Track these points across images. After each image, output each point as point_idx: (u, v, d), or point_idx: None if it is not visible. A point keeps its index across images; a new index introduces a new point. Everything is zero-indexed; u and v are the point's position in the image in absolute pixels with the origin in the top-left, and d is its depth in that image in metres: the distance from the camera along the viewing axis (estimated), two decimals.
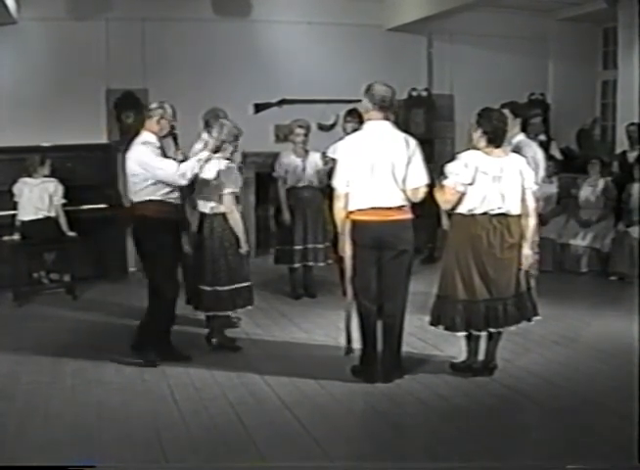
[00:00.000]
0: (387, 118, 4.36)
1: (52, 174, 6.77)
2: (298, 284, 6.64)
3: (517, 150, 4.72)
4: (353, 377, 4.48)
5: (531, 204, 4.37)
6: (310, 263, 6.51)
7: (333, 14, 8.39)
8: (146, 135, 4.71)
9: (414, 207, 4.44)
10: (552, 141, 8.44)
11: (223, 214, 4.93)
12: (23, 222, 6.65)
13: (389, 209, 4.31)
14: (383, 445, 3.68)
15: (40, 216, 6.65)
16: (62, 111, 7.46)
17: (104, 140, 7.89)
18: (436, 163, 6.71)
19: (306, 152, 6.48)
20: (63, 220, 6.76)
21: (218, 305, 4.99)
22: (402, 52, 8.81)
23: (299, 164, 6.44)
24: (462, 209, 4.36)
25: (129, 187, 4.77)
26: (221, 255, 4.93)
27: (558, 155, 8.35)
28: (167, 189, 4.67)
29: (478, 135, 4.33)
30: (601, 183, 7.63)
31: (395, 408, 4.12)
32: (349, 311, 4.50)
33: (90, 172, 7.37)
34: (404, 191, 4.32)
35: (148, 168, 4.59)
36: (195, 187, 4.93)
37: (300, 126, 6.44)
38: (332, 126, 8.36)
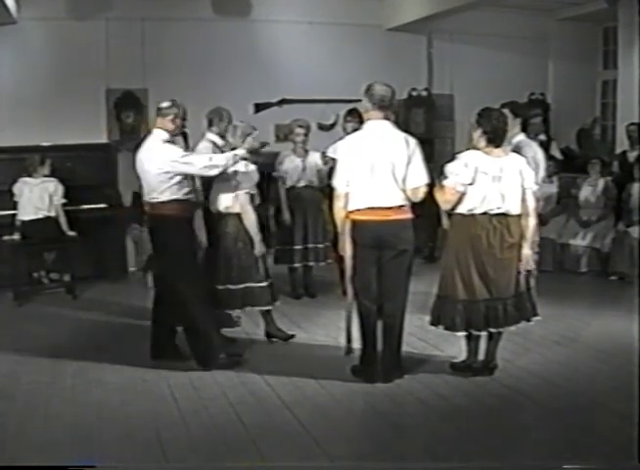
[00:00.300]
0: (386, 118, 4.36)
1: (52, 174, 6.77)
2: (299, 284, 6.65)
3: (517, 150, 4.71)
4: (353, 377, 4.48)
5: (531, 204, 4.37)
6: (310, 263, 6.51)
7: (333, 13, 8.40)
8: (161, 133, 4.66)
9: (414, 206, 4.44)
10: (552, 141, 8.45)
11: (238, 214, 4.94)
12: (24, 222, 6.65)
13: (390, 208, 4.31)
14: (383, 445, 3.68)
15: (40, 216, 6.66)
16: (62, 111, 7.47)
17: (104, 140, 7.91)
18: (436, 162, 6.72)
19: (306, 152, 6.48)
20: (63, 220, 6.76)
21: (229, 303, 5.01)
22: (402, 52, 8.82)
23: (299, 163, 6.44)
24: (462, 208, 4.36)
25: (152, 187, 4.63)
26: (234, 254, 4.95)
27: (558, 155, 8.35)
28: (188, 188, 4.68)
29: (477, 135, 4.33)
30: (601, 183, 7.62)
31: (395, 408, 4.11)
32: (350, 311, 4.50)
33: (90, 172, 7.37)
34: (404, 191, 4.32)
35: (177, 166, 4.56)
36: (212, 186, 4.95)
37: (300, 126, 6.44)
38: (332, 126, 8.37)
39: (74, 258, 6.85)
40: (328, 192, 5.47)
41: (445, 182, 4.35)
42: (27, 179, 6.67)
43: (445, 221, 5.47)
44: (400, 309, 4.44)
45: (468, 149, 4.41)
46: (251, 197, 5.01)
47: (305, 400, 4.20)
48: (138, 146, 4.79)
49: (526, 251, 4.36)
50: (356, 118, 5.86)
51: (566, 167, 8.19)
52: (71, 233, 6.78)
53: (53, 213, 6.71)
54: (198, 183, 4.98)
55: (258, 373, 4.60)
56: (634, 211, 7.24)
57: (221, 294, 4.99)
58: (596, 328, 5.56)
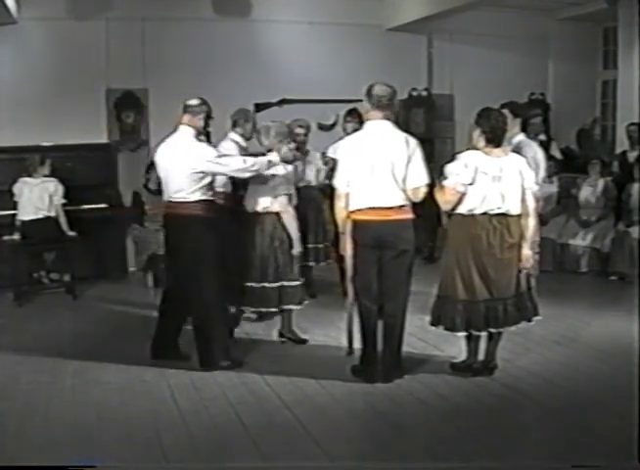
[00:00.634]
0: (387, 118, 4.36)
1: (52, 174, 6.77)
2: None
3: (517, 150, 4.71)
4: (353, 377, 4.48)
5: (531, 204, 4.37)
6: (311, 263, 6.50)
7: (333, 13, 8.40)
8: (189, 131, 4.64)
9: (415, 206, 4.44)
10: (552, 141, 8.44)
11: (275, 213, 4.97)
12: (24, 222, 6.65)
13: (390, 208, 4.31)
14: (383, 445, 3.68)
15: (40, 216, 6.65)
16: (62, 111, 7.46)
17: (104, 140, 7.90)
18: (437, 162, 6.71)
19: (306, 152, 6.48)
20: (63, 220, 6.76)
21: (264, 301, 5.03)
22: (402, 52, 8.81)
23: (299, 163, 6.43)
24: (462, 209, 4.36)
25: (181, 186, 4.57)
26: (271, 253, 4.98)
27: (558, 155, 8.34)
28: (218, 190, 4.70)
29: (477, 135, 4.33)
30: (601, 183, 7.62)
31: (395, 408, 4.11)
32: (351, 312, 4.50)
33: (90, 172, 7.37)
34: (405, 191, 4.32)
35: (211, 166, 4.54)
36: (248, 186, 4.98)
37: (300, 126, 6.43)
38: (332, 126, 8.36)
39: (74, 258, 6.85)
40: (329, 192, 5.47)
41: (445, 182, 4.35)
42: (27, 179, 6.67)
43: (446, 221, 5.47)
44: (401, 309, 4.44)
45: (468, 149, 4.41)
46: (289, 196, 5.05)
47: (305, 400, 4.20)
48: (162, 142, 4.75)
49: (526, 251, 4.37)
50: (356, 119, 5.86)
51: (566, 167, 8.19)
52: (71, 233, 6.78)
53: (53, 213, 6.71)
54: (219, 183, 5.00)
55: (258, 373, 4.60)
56: (634, 211, 7.24)
57: (257, 292, 5.02)
58: (596, 328, 5.56)
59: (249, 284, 5.03)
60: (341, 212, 4.42)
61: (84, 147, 7.50)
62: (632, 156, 7.74)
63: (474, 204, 4.31)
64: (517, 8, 8.83)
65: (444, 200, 4.41)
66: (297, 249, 5.02)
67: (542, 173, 5.02)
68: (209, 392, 4.33)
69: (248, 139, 5.60)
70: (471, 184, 4.28)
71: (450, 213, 4.53)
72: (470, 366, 4.55)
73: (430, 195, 4.43)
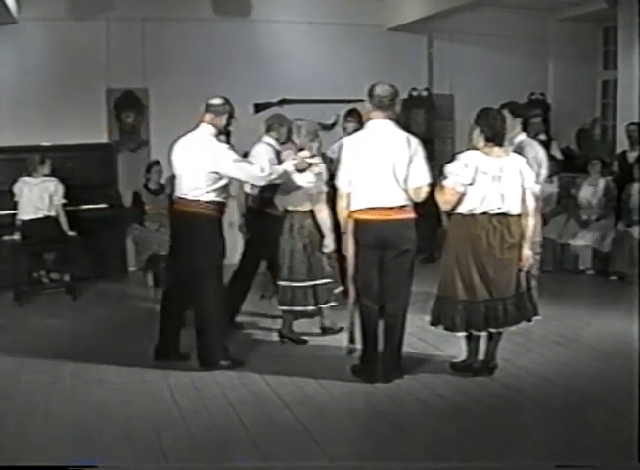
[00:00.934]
0: (389, 118, 4.36)
1: (52, 174, 6.77)
2: None
3: (519, 150, 4.72)
4: (353, 377, 4.48)
5: (531, 204, 4.37)
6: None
7: (333, 13, 8.39)
8: (210, 129, 4.63)
9: (417, 206, 4.44)
10: (552, 141, 8.43)
11: (308, 212, 5.05)
12: (24, 222, 6.65)
13: (391, 208, 4.31)
14: (383, 444, 3.68)
15: (40, 216, 6.65)
16: (62, 111, 7.46)
17: (104, 140, 7.90)
18: (437, 160, 6.72)
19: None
20: (63, 220, 6.76)
21: (294, 300, 5.08)
22: (402, 52, 8.81)
23: None
24: (462, 209, 4.36)
25: (196, 184, 4.55)
26: (300, 251, 5.02)
27: (558, 155, 8.33)
28: (227, 193, 4.70)
29: (476, 134, 4.33)
30: (601, 183, 7.63)
31: (395, 408, 4.11)
32: (353, 311, 4.50)
33: (90, 172, 7.37)
34: (406, 191, 4.32)
35: (228, 169, 4.53)
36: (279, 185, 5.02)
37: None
38: (332, 126, 8.35)
39: (74, 258, 6.84)
40: (330, 192, 5.48)
41: (445, 182, 4.35)
42: (27, 179, 6.67)
43: (446, 221, 5.47)
44: (402, 309, 4.44)
45: (468, 149, 4.41)
46: (323, 194, 5.09)
47: (305, 400, 4.20)
48: (175, 141, 4.75)
49: (527, 250, 4.37)
50: (356, 119, 5.86)
51: (566, 167, 8.18)
52: (71, 233, 6.78)
53: (53, 213, 6.71)
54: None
55: (259, 373, 4.60)
56: (634, 210, 7.24)
57: (285, 291, 5.07)
58: (596, 328, 5.56)
59: (282, 283, 5.09)
60: (342, 212, 4.43)
61: (84, 147, 7.50)
62: (632, 156, 7.74)
63: (473, 204, 4.30)
64: (517, 8, 8.83)
65: (444, 200, 4.40)
66: (330, 246, 5.06)
67: (545, 172, 5.03)
68: (209, 392, 4.33)
69: (282, 143, 5.62)
70: (470, 184, 4.28)
71: (450, 213, 4.53)
72: (470, 366, 4.55)
73: (430, 195, 4.43)
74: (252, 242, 5.63)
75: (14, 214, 6.70)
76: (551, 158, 7.50)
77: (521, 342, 5.00)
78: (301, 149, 4.93)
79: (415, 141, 4.34)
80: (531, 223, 4.37)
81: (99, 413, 4.03)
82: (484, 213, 4.30)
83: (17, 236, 6.64)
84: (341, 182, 4.40)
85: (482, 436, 3.71)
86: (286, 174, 4.76)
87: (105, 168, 7.63)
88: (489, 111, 4.38)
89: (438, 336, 4.85)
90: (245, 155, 5.36)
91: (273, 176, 4.68)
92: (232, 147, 4.79)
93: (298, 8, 8.36)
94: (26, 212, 6.64)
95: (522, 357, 4.84)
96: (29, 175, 6.68)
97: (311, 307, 5.16)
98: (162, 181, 7.51)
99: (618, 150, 8.25)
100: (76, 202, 6.97)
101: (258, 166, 4.68)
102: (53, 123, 7.36)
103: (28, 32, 7.50)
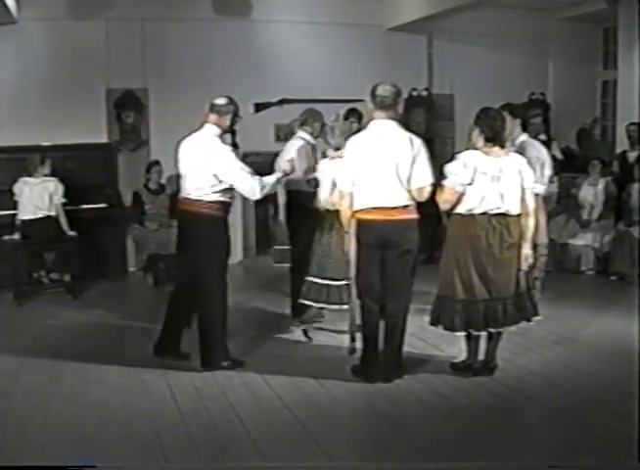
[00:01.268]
0: (391, 118, 4.36)
1: (52, 174, 6.77)
2: None
3: (520, 151, 4.72)
4: (354, 376, 4.48)
5: (531, 204, 4.37)
6: None
7: (333, 13, 8.39)
8: (214, 130, 4.62)
9: (419, 206, 4.44)
10: (553, 141, 8.43)
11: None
12: (24, 222, 6.65)
13: (394, 208, 4.31)
14: (383, 444, 3.68)
15: (40, 216, 6.66)
16: (62, 111, 7.46)
17: (104, 140, 7.89)
18: (438, 158, 6.70)
19: None
20: (63, 220, 6.76)
21: (329, 297, 5.07)
22: (402, 52, 8.80)
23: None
24: (461, 209, 4.36)
25: (199, 185, 4.56)
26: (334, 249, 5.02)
27: (558, 154, 8.33)
28: (232, 194, 4.70)
29: (475, 134, 4.34)
30: (601, 183, 7.63)
31: (395, 408, 4.12)
32: (354, 311, 4.50)
33: (90, 172, 7.37)
34: (409, 190, 4.32)
35: (226, 175, 4.52)
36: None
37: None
38: None
39: (74, 258, 6.84)
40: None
41: (444, 182, 4.36)
42: (28, 179, 6.67)
43: (446, 221, 5.46)
44: (403, 310, 4.44)
45: (467, 149, 4.41)
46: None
47: (305, 400, 4.20)
48: (184, 137, 4.74)
49: (526, 250, 4.37)
50: (357, 118, 5.86)
51: (566, 167, 8.18)
52: (72, 233, 6.79)
53: (53, 213, 6.71)
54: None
55: (258, 373, 4.60)
56: (634, 211, 7.24)
57: (317, 288, 5.07)
58: (596, 328, 5.56)
59: (312, 279, 5.09)
60: (345, 212, 4.43)
61: (84, 147, 7.49)
62: (632, 156, 7.74)
63: (473, 204, 4.31)
64: (517, 8, 8.83)
65: (443, 199, 4.41)
66: None
67: (548, 172, 5.02)
68: (209, 392, 4.33)
69: (316, 137, 5.67)
70: (470, 184, 4.28)
71: (449, 213, 4.53)
72: (470, 366, 4.55)
73: (432, 195, 4.43)
74: (301, 233, 5.58)
75: (14, 214, 6.70)
76: (552, 158, 7.53)
77: (521, 342, 5.00)
78: (337, 149, 4.91)
79: (418, 141, 4.34)
80: (531, 223, 4.37)
81: (99, 413, 4.03)
82: (484, 213, 4.30)
83: (17, 236, 6.64)
84: (343, 182, 4.40)
85: (482, 436, 3.72)
86: (276, 183, 4.78)
87: (105, 168, 7.62)
88: (489, 111, 4.38)
89: (439, 336, 4.85)
90: (244, 156, 5.36)
91: (266, 191, 4.68)
92: (237, 147, 4.80)
93: (298, 8, 8.36)
94: (27, 212, 6.64)
95: (522, 357, 4.84)
96: (29, 175, 6.68)
97: (345, 305, 5.07)
98: (163, 181, 7.52)
99: (618, 150, 8.25)
100: (76, 202, 6.97)
101: (257, 183, 4.60)
102: (53, 123, 7.36)
103: (28, 32, 7.50)
